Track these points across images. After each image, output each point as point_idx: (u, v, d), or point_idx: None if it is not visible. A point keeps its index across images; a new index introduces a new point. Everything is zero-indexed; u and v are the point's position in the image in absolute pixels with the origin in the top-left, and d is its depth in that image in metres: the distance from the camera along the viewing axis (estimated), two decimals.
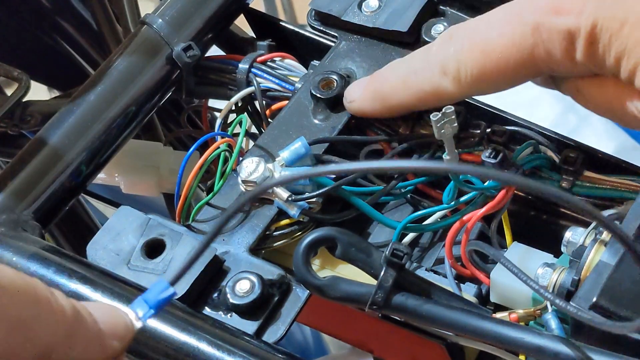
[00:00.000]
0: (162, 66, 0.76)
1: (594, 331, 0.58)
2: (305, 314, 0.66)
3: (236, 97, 0.77)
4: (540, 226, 0.72)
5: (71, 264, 0.64)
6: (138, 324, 0.46)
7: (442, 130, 0.65)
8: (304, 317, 0.71)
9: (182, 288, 0.64)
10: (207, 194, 0.71)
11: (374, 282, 0.62)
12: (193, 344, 0.61)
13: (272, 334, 0.64)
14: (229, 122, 0.77)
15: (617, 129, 1.58)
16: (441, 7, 0.77)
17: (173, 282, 0.50)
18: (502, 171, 0.66)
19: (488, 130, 0.71)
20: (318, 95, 0.73)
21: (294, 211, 0.68)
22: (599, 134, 1.58)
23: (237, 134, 0.72)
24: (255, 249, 0.68)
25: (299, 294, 0.65)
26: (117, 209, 0.68)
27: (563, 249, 0.64)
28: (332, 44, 0.77)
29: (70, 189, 0.72)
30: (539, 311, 0.64)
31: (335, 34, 0.78)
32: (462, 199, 0.69)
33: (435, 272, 0.70)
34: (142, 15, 0.78)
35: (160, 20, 0.77)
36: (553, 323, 0.62)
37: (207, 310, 0.65)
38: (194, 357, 0.61)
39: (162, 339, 0.61)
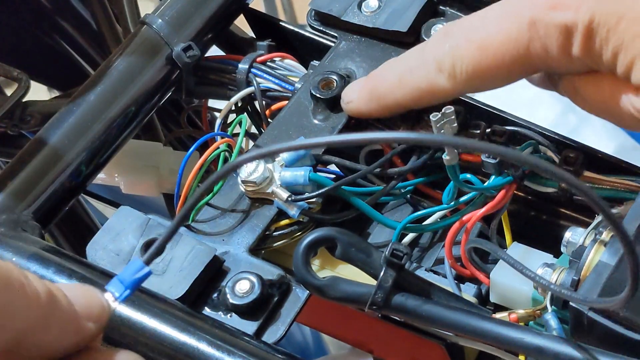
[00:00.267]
0: (162, 66, 0.76)
1: (593, 331, 0.58)
2: (305, 314, 0.66)
3: (236, 97, 0.77)
4: (540, 226, 0.72)
5: (71, 264, 0.64)
6: (114, 305, 0.46)
7: (442, 131, 0.65)
8: (304, 318, 0.71)
9: (182, 288, 0.64)
10: (207, 194, 0.71)
11: (373, 282, 0.62)
12: (193, 344, 0.61)
13: (272, 334, 0.64)
14: (228, 122, 0.77)
15: (617, 129, 1.58)
16: (441, 7, 0.77)
17: (148, 262, 0.49)
18: (507, 148, 0.65)
19: (488, 130, 0.71)
20: (318, 95, 0.73)
21: (293, 211, 0.68)
22: (599, 134, 1.58)
23: (237, 134, 0.72)
24: (255, 249, 0.68)
25: (299, 294, 0.65)
26: (117, 209, 0.68)
27: (563, 249, 0.64)
28: (332, 44, 0.77)
29: (70, 189, 0.72)
30: (538, 311, 0.64)
31: (335, 34, 0.78)
32: (462, 199, 0.69)
33: (435, 272, 0.70)
34: (142, 15, 0.78)
35: (160, 20, 0.77)
36: (553, 323, 0.62)
37: (207, 311, 0.65)
38: (193, 357, 0.61)
39: (162, 339, 0.61)
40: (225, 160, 0.71)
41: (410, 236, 0.71)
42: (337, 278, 0.63)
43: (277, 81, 0.76)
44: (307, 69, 0.77)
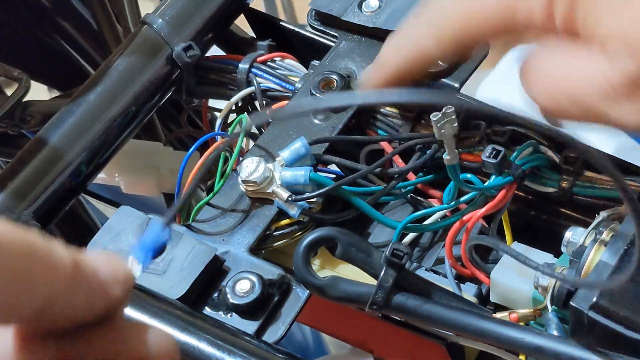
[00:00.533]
0: (162, 66, 0.76)
1: (594, 331, 0.58)
2: (305, 314, 0.66)
3: (236, 97, 0.77)
4: (540, 226, 0.72)
5: None
6: (138, 271, 0.46)
7: (442, 130, 0.65)
8: (304, 317, 0.71)
9: (182, 288, 0.64)
10: (207, 194, 0.71)
11: (374, 282, 0.62)
12: (193, 343, 0.61)
13: (272, 334, 0.64)
14: (229, 122, 0.77)
15: (617, 129, 1.58)
16: None
17: (167, 224, 0.49)
18: (514, 112, 0.64)
19: (488, 130, 0.71)
20: (318, 95, 0.73)
21: (294, 211, 0.68)
22: (598, 134, 1.58)
23: (238, 134, 0.72)
24: (256, 249, 0.68)
25: (299, 294, 0.65)
26: (117, 209, 0.68)
27: (563, 248, 0.64)
28: (332, 44, 0.77)
29: (70, 189, 0.72)
30: (539, 311, 0.64)
31: (336, 34, 0.78)
32: (462, 198, 0.69)
33: (436, 272, 0.70)
34: (143, 15, 0.78)
35: (160, 20, 0.77)
36: (553, 323, 0.62)
37: (207, 310, 0.65)
38: (194, 357, 0.61)
39: None
40: (226, 160, 0.71)
41: (410, 236, 0.71)
42: (338, 278, 0.63)
43: (277, 81, 0.76)
44: (307, 69, 0.77)
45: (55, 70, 1.08)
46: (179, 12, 0.77)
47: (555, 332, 0.61)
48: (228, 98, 0.78)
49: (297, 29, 0.81)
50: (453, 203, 0.69)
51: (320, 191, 0.68)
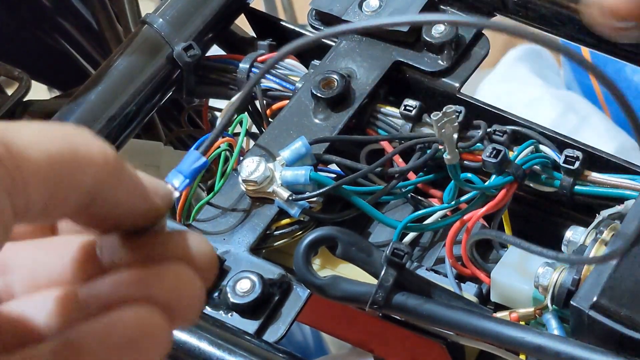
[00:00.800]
0: (162, 66, 0.76)
1: (594, 331, 0.58)
2: (305, 313, 0.66)
3: (237, 97, 0.77)
4: (540, 225, 0.72)
5: None
6: (176, 193, 0.46)
7: (443, 130, 0.65)
8: (305, 317, 0.71)
9: None
10: (208, 194, 0.71)
11: (374, 281, 0.62)
12: (193, 343, 0.61)
13: (273, 334, 0.64)
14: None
15: (617, 129, 1.58)
16: (441, 6, 0.77)
17: (205, 153, 0.50)
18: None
19: (489, 130, 0.71)
20: (319, 94, 0.73)
21: (294, 210, 0.68)
22: (599, 134, 1.58)
23: (238, 134, 0.72)
24: (256, 249, 0.68)
25: (300, 293, 0.65)
26: None
27: (564, 248, 0.65)
28: (333, 44, 0.77)
29: None
30: (539, 311, 0.64)
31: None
32: (463, 198, 0.69)
33: (436, 272, 0.70)
34: (143, 14, 0.79)
35: (160, 19, 0.77)
36: (553, 322, 0.62)
37: (208, 310, 0.65)
38: (194, 356, 0.61)
39: None
40: (226, 160, 0.71)
41: (410, 235, 0.71)
42: (338, 277, 0.63)
43: (278, 80, 0.76)
44: (307, 68, 0.77)
45: (55, 69, 1.08)
46: (179, 11, 0.77)
47: (555, 332, 0.61)
48: (228, 98, 0.78)
49: (297, 29, 0.81)
50: (453, 202, 0.69)
51: (321, 191, 0.68)
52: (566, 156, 0.69)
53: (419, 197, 0.73)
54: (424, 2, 0.76)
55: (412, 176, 0.71)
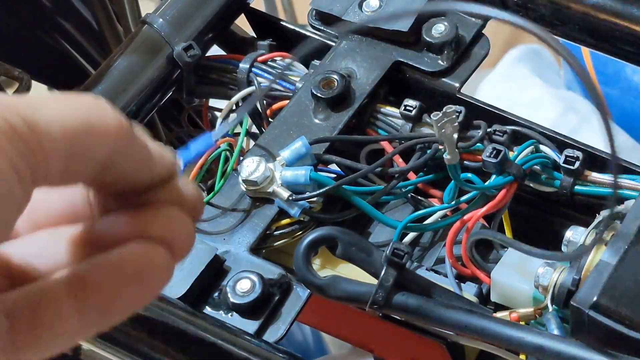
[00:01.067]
0: (162, 66, 0.77)
1: (594, 331, 0.58)
2: (305, 313, 0.66)
3: (237, 97, 0.77)
4: (540, 225, 0.72)
5: None
6: (180, 164, 0.47)
7: (443, 130, 0.65)
8: (305, 317, 0.71)
9: (182, 288, 0.64)
10: (208, 194, 0.71)
11: (374, 281, 0.62)
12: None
13: (273, 334, 0.64)
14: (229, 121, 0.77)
15: (618, 129, 1.58)
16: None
17: (216, 137, 0.53)
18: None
19: (489, 130, 0.71)
20: (319, 94, 0.73)
21: (294, 210, 0.68)
22: (599, 134, 1.58)
23: (238, 134, 0.72)
24: (256, 249, 0.69)
25: (300, 293, 0.65)
26: None
27: (564, 248, 0.65)
28: (333, 44, 0.77)
29: None
30: (539, 311, 0.64)
31: (336, 34, 0.78)
32: (463, 198, 0.69)
33: (436, 272, 0.70)
34: (143, 14, 0.79)
35: (160, 19, 0.77)
36: (554, 322, 0.62)
37: (208, 310, 0.65)
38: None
39: None
40: (226, 160, 0.71)
41: (411, 235, 0.71)
42: (338, 277, 0.63)
43: (278, 80, 0.76)
44: (307, 68, 0.77)
45: (55, 69, 1.08)
46: (179, 11, 0.77)
47: (555, 332, 0.61)
48: (228, 98, 0.78)
49: (297, 29, 0.81)
50: (453, 202, 0.69)
51: (321, 191, 0.68)
52: (566, 156, 0.69)
53: (419, 197, 0.73)
54: (424, 2, 0.76)
55: (412, 176, 0.71)
